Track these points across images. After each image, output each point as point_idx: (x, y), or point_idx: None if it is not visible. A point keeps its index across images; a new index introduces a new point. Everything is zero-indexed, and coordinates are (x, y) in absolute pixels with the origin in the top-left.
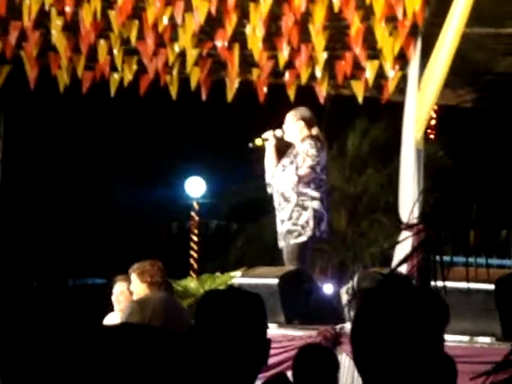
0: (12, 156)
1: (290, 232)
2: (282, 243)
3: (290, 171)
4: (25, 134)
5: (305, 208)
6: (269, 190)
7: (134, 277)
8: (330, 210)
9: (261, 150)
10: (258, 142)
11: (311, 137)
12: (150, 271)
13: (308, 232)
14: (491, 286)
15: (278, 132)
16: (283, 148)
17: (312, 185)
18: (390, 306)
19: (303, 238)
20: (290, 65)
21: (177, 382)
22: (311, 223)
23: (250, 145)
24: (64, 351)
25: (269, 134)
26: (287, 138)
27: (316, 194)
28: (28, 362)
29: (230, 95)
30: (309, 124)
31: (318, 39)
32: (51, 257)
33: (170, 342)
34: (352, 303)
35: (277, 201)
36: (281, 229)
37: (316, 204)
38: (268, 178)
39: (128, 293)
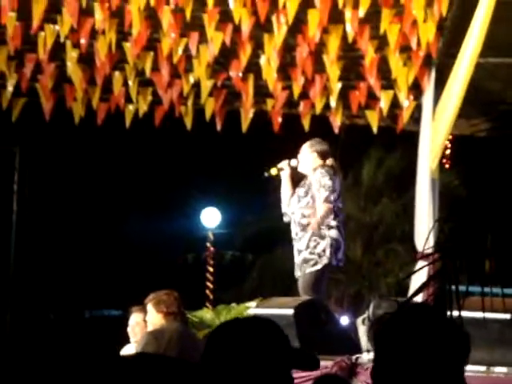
0: (27, 188)
1: (306, 261)
2: (298, 273)
3: (306, 203)
4: (40, 166)
5: (322, 237)
6: (285, 219)
7: (149, 307)
8: (346, 238)
9: (276, 180)
10: (273, 171)
11: (323, 166)
12: (166, 301)
13: (324, 260)
14: (507, 316)
15: (293, 162)
16: (298, 178)
17: (330, 213)
18: (412, 333)
19: (319, 267)
20: (304, 95)
21: None
22: (328, 252)
23: (265, 174)
24: (81, 382)
25: (284, 164)
26: (300, 169)
27: (333, 223)
28: None
29: (245, 125)
30: (323, 155)
31: (333, 69)
32: (68, 289)
33: (185, 372)
34: (370, 332)
35: (294, 231)
36: (297, 259)
37: (333, 233)
38: (284, 208)
39: (143, 324)
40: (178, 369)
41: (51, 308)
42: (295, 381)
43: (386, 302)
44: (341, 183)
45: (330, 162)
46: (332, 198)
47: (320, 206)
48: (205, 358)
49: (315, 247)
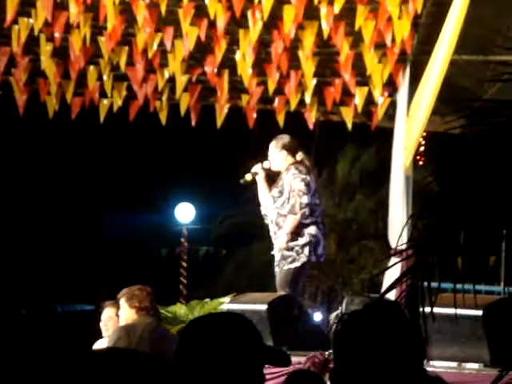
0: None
1: (284, 258)
2: (276, 268)
3: (282, 203)
4: (14, 159)
5: (300, 235)
6: (266, 221)
7: (122, 302)
8: (326, 233)
9: (252, 184)
10: (248, 177)
11: (295, 164)
12: (138, 296)
13: (303, 258)
14: (479, 312)
15: (266, 163)
16: (274, 177)
17: (297, 223)
18: (368, 331)
19: (297, 264)
20: (279, 91)
21: None
22: (306, 250)
23: (241, 181)
24: (51, 377)
25: (257, 168)
26: (273, 168)
27: (309, 220)
28: None
29: (220, 121)
30: (292, 151)
31: (308, 65)
32: (40, 284)
33: (155, 367)
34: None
35: (272, 230)
36: (277, 256)
37: (311, 229)
38: (263, 210)
39: (116, 319)
40: (149, 364)
41: (23, 303)
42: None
43: (358, 298)
44: (316, 179)
45: (300, 156)
46: (298, 206)
47: (287, 217)
48: (177, 354)
49: (293, 245)
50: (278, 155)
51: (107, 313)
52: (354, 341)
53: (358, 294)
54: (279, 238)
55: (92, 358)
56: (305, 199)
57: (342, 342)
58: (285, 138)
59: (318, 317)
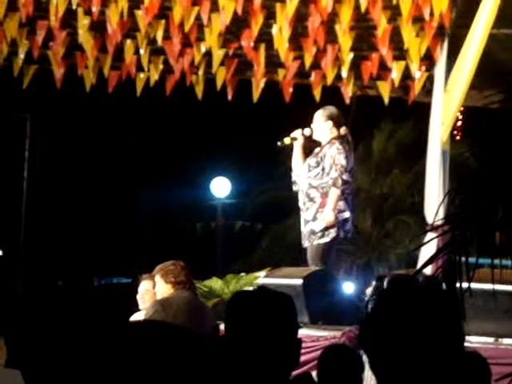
0: (38, 155)
1: (313, 232)
2: (306, 243)
3: (316, 174)
4: (51, 133)
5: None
6: (294, 188)
7: (157, 278)
8: (356, 210)
9: (288, 149)
10: (287, 140)
11: (340, 138)
12: (173, 271)
13: (332, 233)
14: None
15: (307, 131)
16: (310, 148)
17: (339, 198)
18: (398, 306)
19: (326, 239)
20: (315, 65)
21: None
22: (335, 224)
23: (279, 143)
24: (86, 348)
25: (297, 133)
26: (315, 137)
27: (341, 196)
28: (52, 360)
29: (256, 95)
30: (337, 124)
31: (345, 39)
32: (78, 257)
33: (191, 340)
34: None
35: (301, 200)
36: (305, 229)
37: (341, 205)
38: (294, 177)
39: (153, 292)
40: (185, 336)
41: (60, 275)
42: (302, 351)
43: (396, 273)
44: (354, 158)
45: (343, 131)
46: (340, 181)
47: (331, 190)
48: (225, 325)
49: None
50: (322, 125)
51: (144, 285)
52: (392, 316)
53: (395, 271)
54: (326, 215)
55: (128, 330)
56: (345, 176)
57: (381, 316)
58: (332, 110)
59: (353, 291)
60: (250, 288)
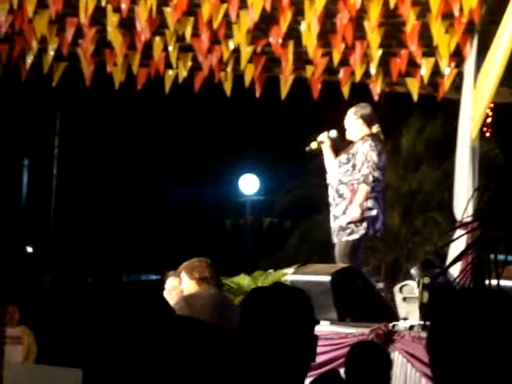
0: (68, 152)
1: (342, 229)
2: (334, 239)
3: (347, 170)
4: (81, 130)
5: (359, 206)
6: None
7: (183, 275)
8: (385, 208)
9: (317, 153)
10: (314, 145)
11: (372, 136)
12: (198, 268)
13: (361, 230)
14: None
15: (332, 133)
16: (341, 146)
17: (368, 194)
18: (471, 312)
19: (355, 236)
20: (344, 62)
21: (223, 377)
22: (365, 222)
23: (307, 149)
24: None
25: (323, 136)
26: (347, 135)
27: (372, 194)
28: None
29: (284, 92)
30: (369, 122)
31: (373, 36)
32: (106, 253)
33: (216, 335)
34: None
35: (331, 196)
36: (334, 224)
37: (371, 203)
38: (329, 178)
39: (180, 288)
40: (210, 331)
41: (90, 272)
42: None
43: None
44: (386, 156)
45: (375, 129)
46: (371, 177)
47: (360, 186)
48: (240, 322)
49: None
50: (354, 122)
51: (171, 282)
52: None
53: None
54: (352, 210)
55: (155, 325)
56: (377, 173)
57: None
58: (365, 108)
59: (381, 289)
60: None
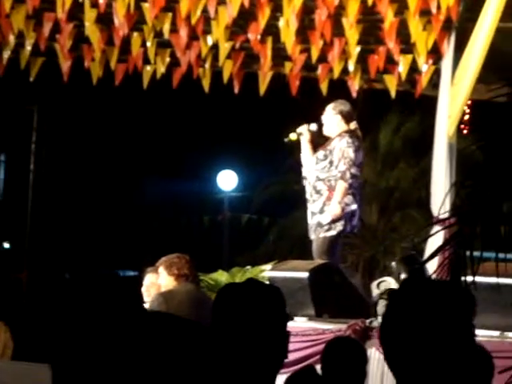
0: (45, 148)
1: (320, 225)
2: (312, 235)
3: (324, 166)
4: (58, 125)
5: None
6: (304, 184)
7: (161, 270)
8: (362, 204)
9: (295, 145)
10: (293, 136)
11: (349, 132)
12: (177, 264)
13: (338, 227)
14: None
15: (313, 126)
16: (317, 142)
17: (346, 191)
18: (416, 302)
19: (333, 233)
20: (322, 58)
21: (198, 373)
22: (342, 218)
23: (285, 140)
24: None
25: (303, 129)
26: (325, 131)
27: (349, 191)
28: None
29: (263, 88)
30: (347, 118)
31: (351, 33)
32: (84, 249)
33: (192, 331)
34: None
35: (308, 192)
36: (311, 221)
37: (349, 199)
38: (304, 172)
39: (158, 285)
40: (186, 327)
41: (67, 268)
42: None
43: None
44: (363, 153)
45: (353, 125)
46: (348, 174)
47: (338, 183)
48: (212, 319)
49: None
50: (332, 118)
51: (149, 279)
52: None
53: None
54: (332, 208)
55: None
56: (354, 170)
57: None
58: (344, 104)
59: (358, 285)
60: None
